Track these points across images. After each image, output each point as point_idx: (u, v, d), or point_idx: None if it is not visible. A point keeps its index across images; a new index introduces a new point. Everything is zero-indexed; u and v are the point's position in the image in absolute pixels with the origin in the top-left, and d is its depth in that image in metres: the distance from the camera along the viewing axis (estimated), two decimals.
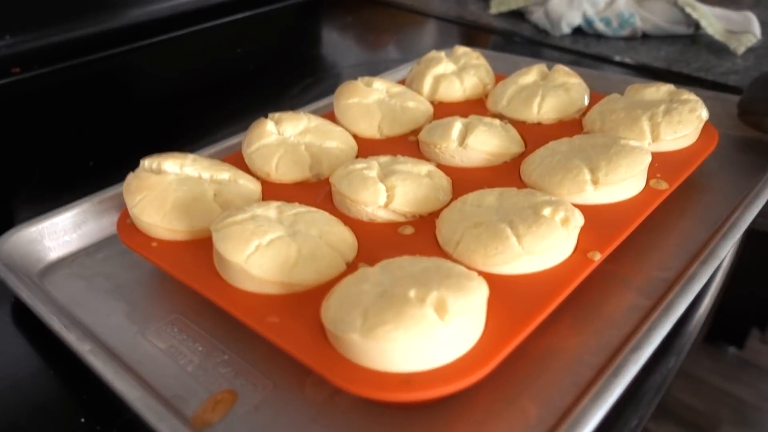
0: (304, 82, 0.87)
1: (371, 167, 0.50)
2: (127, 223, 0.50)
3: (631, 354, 0.36)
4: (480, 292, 0.35)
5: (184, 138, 0.65)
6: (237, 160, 0.57)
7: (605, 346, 0.39)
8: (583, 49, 0.98)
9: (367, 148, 0.60)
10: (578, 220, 0.42)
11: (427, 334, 0.33)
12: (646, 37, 1.01)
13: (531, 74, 0.66)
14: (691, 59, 0.92)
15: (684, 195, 0.53)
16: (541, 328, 0.38)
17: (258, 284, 0.40)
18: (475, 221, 0.42)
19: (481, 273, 0.39)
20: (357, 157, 0.58)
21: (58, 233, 0.55)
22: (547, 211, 0.41)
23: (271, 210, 0.45)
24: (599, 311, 0.42)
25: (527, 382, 0.37)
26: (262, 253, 0.40)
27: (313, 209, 0.46)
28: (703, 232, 0.49)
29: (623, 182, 0.46)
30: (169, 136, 0.63)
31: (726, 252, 0.45)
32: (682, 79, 0.84)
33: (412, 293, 0.34)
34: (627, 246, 0.46)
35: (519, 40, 1.04)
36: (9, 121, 0.81)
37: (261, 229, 0.42)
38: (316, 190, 0.53)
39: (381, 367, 0.33)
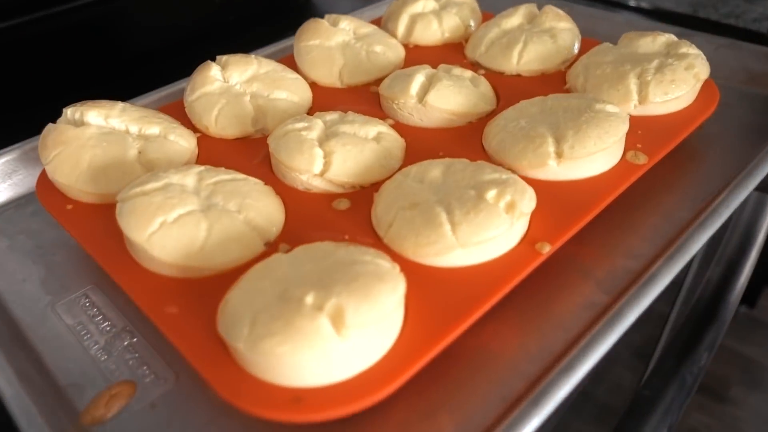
0: (290, 34, 0.79)
1: (313, 127, 0.44)
2: (48, 179, 0.46)
3: (561, 374, 0.31)
4: (390, 298, 0.30)
5: None
6: (180, 109, 0.52)
7: (547, 352, 0.34)
8: None
9: (323, 98, 0.54)
10: (526, 206, 0.36)
11: (320, 350, 0.28)
12: None
13: (517, 16, 0.58)
14: (719, 4, 0.82)
15: (673, 165, 0.47)
16: (479, 325, 0.34)
17: (161, 266, 0.36)
18: (412, 201, 0.37)
19: (410, 264, 0.35)
20: (311, 109, 0.52)
21: None
22: (491, 195, 0.36)
23: (189, 177, 0.40)
24: (549, 308, 0.37)
25: (450, 392, 0.33)
26: (166, 231, 0.36)
27: (240, 176, 0.41)
28: (687, 213, 0.43)
29: (591, 156, 0.40)
30: (139, 95, 0.58)
31: (700, 244, 0.39)
32: (708, 27, 0.75)
33: (309, 299, 0.29)
34: (595, 226, 0.40)
35: None
36: None
37: (170, 202, 0.37)
38: (255, 149, 0.48)
39: (271, 380, 0.29)
